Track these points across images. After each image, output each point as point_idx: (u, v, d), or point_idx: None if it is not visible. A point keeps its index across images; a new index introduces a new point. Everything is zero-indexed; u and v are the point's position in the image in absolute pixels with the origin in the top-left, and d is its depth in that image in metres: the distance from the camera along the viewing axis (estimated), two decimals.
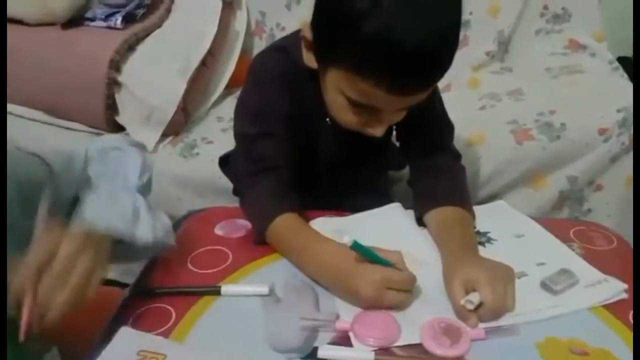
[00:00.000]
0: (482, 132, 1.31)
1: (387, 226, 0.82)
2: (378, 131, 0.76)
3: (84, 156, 0.73)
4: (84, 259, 0.58)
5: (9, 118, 1.50)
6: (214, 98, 1.62)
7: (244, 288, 0.71)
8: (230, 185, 1.17)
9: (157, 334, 0.64)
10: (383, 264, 0.65)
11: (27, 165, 0.67)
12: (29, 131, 1.53)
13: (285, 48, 0.84)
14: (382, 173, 1.13)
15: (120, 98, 1.45)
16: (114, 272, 1.29)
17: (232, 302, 0.69)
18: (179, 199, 1.40)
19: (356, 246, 0.63)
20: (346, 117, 0.75)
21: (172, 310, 0.68)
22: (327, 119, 0.83)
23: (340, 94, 0.72)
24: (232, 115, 1.52)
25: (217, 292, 0.70)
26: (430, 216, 0.81)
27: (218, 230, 0.86)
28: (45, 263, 0.57)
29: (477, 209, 0.85)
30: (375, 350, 0.60)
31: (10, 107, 1.54)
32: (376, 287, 0.64)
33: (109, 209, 0.67)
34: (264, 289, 0.69)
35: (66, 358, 0.78)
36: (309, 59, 0.76)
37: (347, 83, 0.69)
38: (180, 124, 1.49)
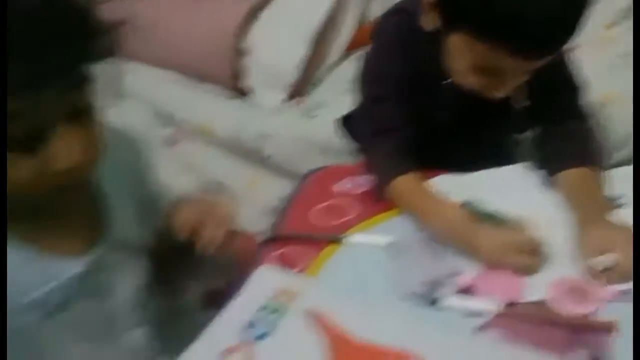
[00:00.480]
0: (616, 91, 1.22)
1: (512, 186, 0.80)
2: (501, 93, 0.74)
3: None
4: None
5: (143, 76, 1.63)
6: (333, 60, 1.65)
7: (368, 238, 0.74)
8: (349, 145, 1.20)
9: None
10: (503, 225, 0.65)
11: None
12: (163, 92, 1.66)
13: (406, 10, 0.84)
14: (505, 136, 1.10)
15: (247, 61, 1.53)
16: None
17: (355, 252, 0.73)
18: (301, 158, 1.46)
19: (470, 206, 0.64)
20: (468, 79, 0.74)
21: (299, 257, 0.73)
22: (448, 81, 0.83)
23: (463, 57, 0.72)
24: (351, 77, 1.55)
25: (341, 241, 0.74)
26: (560, 178, 0.79)
27: (340, 186, 0.89)
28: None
29: (609, 172, 0.81)
30: (501, 304, 0.61)
31: (146, 69, 1.66)
32: (499, 250, 0.64)
33: None
34: (388, 240, 0.72)
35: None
36: (428, 21, 0.76)
37: (471, 46, 0.69)
38: (302, 85, 1.54)
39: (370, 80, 0.90)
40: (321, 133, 1.43)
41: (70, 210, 0.60)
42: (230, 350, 0.59)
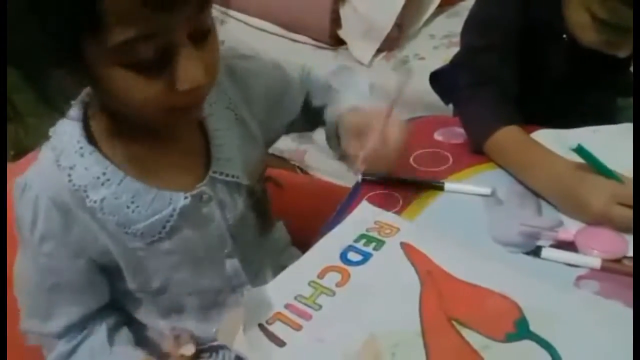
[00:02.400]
0: None
1: (616, 145, 0.76)
2: (622, 51, 0.70)
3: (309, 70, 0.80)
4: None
5: (241, 26, 1.65)
6: (427, 16, 1.61)
7: (467, 186, 0.73)
8: (439, 101, 1.18)
9: None
10: (613, 177, 0.63)
11: (273, 69, 0.75)
12: (259, 41, 1.69)
13: None
14: (611, 99, 1.04)
15: (344, 12, 1.52)
16: None
17: (454, 199, 0.72)
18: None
19: (581, 150, 0.61)
20: (589, 35, 0.70)
21: (400, 198, 0.73)
22: (564, 36, 0.79)
23: (585, 11, 0.68)
24: (444, 33, 1.50)
25: (440, 188, 0.74)
26: None
27: (438, 136, 0.89)
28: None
29: None
30: (600, 259, 0.59)
31: (244, 18, 1.69)
32: (606, 200, 0.62)
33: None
34: (487, 190, 0.71)
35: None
36: None
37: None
38: (394, 39, 1.52)
39: (475, 29, 0.87)
40: (410, 88, 1.41)
41: (183, 142, 0.63)
42: (328, 269, 0.61)
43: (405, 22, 1.54)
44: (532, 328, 0.52)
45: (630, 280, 0.57)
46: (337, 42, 1.57)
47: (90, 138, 0.58)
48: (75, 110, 0.59)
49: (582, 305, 0.55)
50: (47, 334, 0.63)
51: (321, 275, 0.61)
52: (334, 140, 0.74)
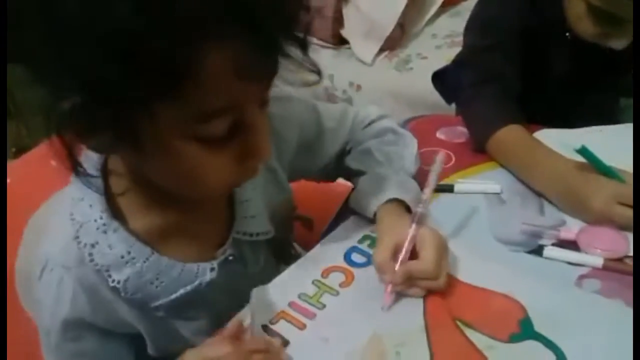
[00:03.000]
0: None
1: (620, 144, 0.76)
2: (619, 43, 0.70)
3: (350, 124, 0.72)
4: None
5: None
6: (429, 15, 1.61)
7: (476, 186, 0.72)
8: (441, 100, 1.18)
9: None
10: (615, 177, 0.63)
11: (306, 113, 0.69)
12: None
13: None
14: (614, 99, 1.04)
15: (347, 12, 1.52)
16: None
17: (456, 199, 0.72)
18: (392, 110, 1.45)
19: (584, 151, 0.61)
20: (585, 26, 0.70)
21: None
22: (567, 34, 0.79)
23: (582, 0, 0.68)
24: (446, 32, 1.50)
25: (450, 190, 0.73)
26: None
27: (440, 135, 0.88)
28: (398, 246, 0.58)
29: None
30: (601, 258, 0.59)
31: None
32: (607, 200, 0.62)
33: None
34: (496, 187, 0.71)
35: None
36: None
37: None
38: (397, 39, 1.52)
39: (478, 29, 0.87)
40: (412, 87, 1.42)
41: (206, 208, 0.58)
42: (332, 269, 0.61)
43: (407, 22, 1.54)
44: (536, 328, 0.52)
45: (631, 280, 0.57)
46: (339, 41, 1.57)
47: (114, 211, 0.52)
48: (94, 172, 0.52)
49: (585, 305, 0.55)
50: None
51: (325, 275, 0.61)
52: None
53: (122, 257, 0.52)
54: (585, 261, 0.59)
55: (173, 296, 0.55)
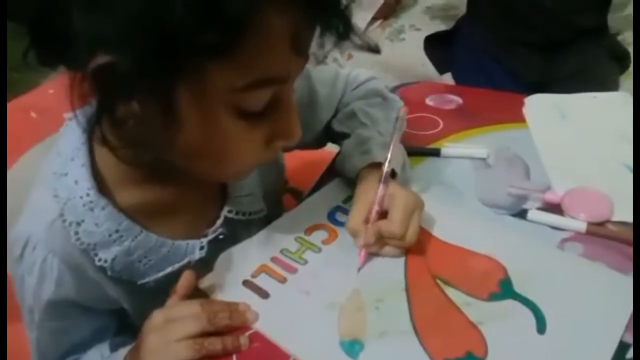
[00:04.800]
0: None
1: (611, 111, 0.76)
2: None
3: (342, 89, 0.71)
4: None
5: None
6: None
7: (463, 150, 0.72)
8: (431, 72, 1.17)
9: None
10: None
11: (299, 81, 0.66)
12: None
13: None
14: (603, 62, 1.03)
15: None
16: None
17: (441, 162, 0.72)
18: (381, 80, 1.44)
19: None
20: None
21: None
22: None
23: None
24: (441, 5, 1.48)
25: (436, 154, 0.72)
26: None
27: (429, 102, 0.88)
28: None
29: None
30: (587, 222, 0.59)
31: None
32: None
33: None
34: (483, 152, 0.70)
35: None
36: None
37: None
38: (390, 8, 1.50)
39: None
40: (403, 58, 1.40)
41: (199, 185, 0.55)
42: (316, 227, 0.61)
43: None
44: (516, 288, 0.52)
45: (614, 244, 0.57)
46: None
47: (101, 186, 0.49)
48: (80, 150, 0.49)
49: (567, 267, 0.55)
50: None
51: (308, 232, 0.60)
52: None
53: (110, 235, 0.49)
54: (568, 225, 0.59)
55: (161, 274, 0.54)
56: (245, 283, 0.54)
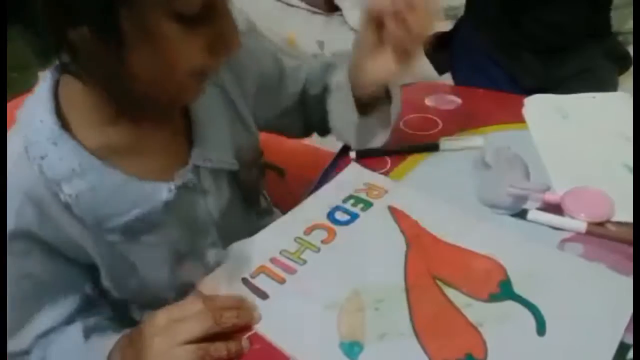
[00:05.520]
0: None
1: (611, 111, 0.75)
2: None
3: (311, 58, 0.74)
4: None
5: None
6: None
7: (460, 142, 0.73)
8: (430, 73, 1.17)
9: None
10: None
11: (269, 50, 0.70)
12: (253, 4, 1.65)
13: None
14: (603, 63, 1.02)
15: None
16: None
17: (441, 161, 0.71)
18: None
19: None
20: None
21: (388, 159, 0.72)
22: None
23: None
24: (442, 5, 1.47)
25: (435, 148, 0.73)
26: None
27: (429, 102, 0.87)
28: None
29: None
30: (587, 222, 0.58)
31: None
32: None
33: None
34: (479, 141, 0.71)
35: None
36: None
37: None
38: None
39: None
40: None
41: (165, 125, 0.57)
42: (315, 227, 0.61)
43: None
44: (516, 290, 0.52)
45: (614, 244, 0.56)
46: (331, 8, 1.54)
47: (64, 122, 0.51)
48: (44, 91, 0.51)
49: (567, 267, 0.55)
50: (16, 352, 0.54)
51: (307, 232, 0.60)
52: (348, 103, 0.68)
53: (74, 169, 0.50)
54: (568, 225, 0.59)
55: (127, 217, 0.53)
56: (245, 283, 0.54)
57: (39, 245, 0.52)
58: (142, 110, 0.53)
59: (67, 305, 0.56)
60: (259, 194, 0.71)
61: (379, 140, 0.71)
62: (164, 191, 0.54)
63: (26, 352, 0.55)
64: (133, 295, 0.59)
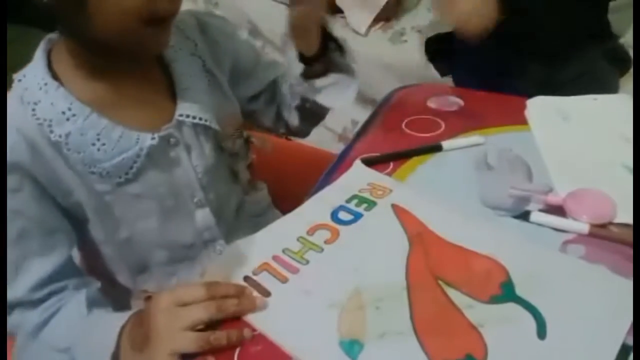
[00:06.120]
0: None
1: (612, 113, 0.75)
2: None
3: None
4: None
5: None
6: None
7: (462, 140, 0.74)
8: (432, 75, 1.17)
9: None
10: None
11: (243, 38, 0.76)
12: (254, 7, 1.65)
13: None
14: (603, 65, 1.02)
15: None
16: None
17: (444, 162, 0.71)
18: (383, 82, 1.43)
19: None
20: None
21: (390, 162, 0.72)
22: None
23: None
24: None
25: (439, 148, 0.73)
26: None
27: (431, 103, 0.87)
28: None
29: None
30: (590, 224, 0.58)
31: None
32: None
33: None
34: (480, 139, 0.72)
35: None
36: None
37: None
38: (392, 10, 1.49)
39: None
40: (405, 60, 1.40)
41: (148, 84, 0.62)
42: (318, 227, 0.61)
43: None
44: (517, 292, 0.52)
45: (616, 246, 0.56)
46: (334, 11, 1.54)
47: (55, 76, 0.57)
48: (39, 54, 0.58)
49: (569, 269, 0.54)
50: (13, 301, 0.56)
51: (311, 232, 0.60)
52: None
53: (63, 112, 0.55)
54: (571, 227, 0.59)
55: (113, 161, 0.57)
56: (247, 280, 0.54)
57: (30, 181, 0.56)
58: (118, 63, 0.58)
59: (56, 255, 0.58)
60: (244, 164, 0.74)
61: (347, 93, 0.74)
62: (147, 139, 0.59)
63: (20, 304, 0.57)
64: (122, 250, 0.63)
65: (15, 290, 0.56)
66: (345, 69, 0.73)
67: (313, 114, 0.79)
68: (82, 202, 0.59)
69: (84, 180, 0.58)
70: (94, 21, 0.51)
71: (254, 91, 0.78)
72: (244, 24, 1.62)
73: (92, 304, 0.58)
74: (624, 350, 0.46)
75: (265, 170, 0.82)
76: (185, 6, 0.56)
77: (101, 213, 0.60)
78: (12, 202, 0.55)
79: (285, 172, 0.85)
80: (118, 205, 0.60)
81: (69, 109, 0.55)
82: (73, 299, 0.58)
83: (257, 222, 0.78)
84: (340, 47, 0.72)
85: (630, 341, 0.46)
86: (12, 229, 0.55)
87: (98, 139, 0.56)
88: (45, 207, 0.57)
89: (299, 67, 0.70)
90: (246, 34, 1.65)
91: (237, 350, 0.48)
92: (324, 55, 0.71)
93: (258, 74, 0.77)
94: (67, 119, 0.55)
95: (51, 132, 0.55)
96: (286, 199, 0.78)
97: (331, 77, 0.73)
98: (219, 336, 0.47)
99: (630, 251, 0.55)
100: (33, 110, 0.55)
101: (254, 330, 0.49)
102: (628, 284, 0.51)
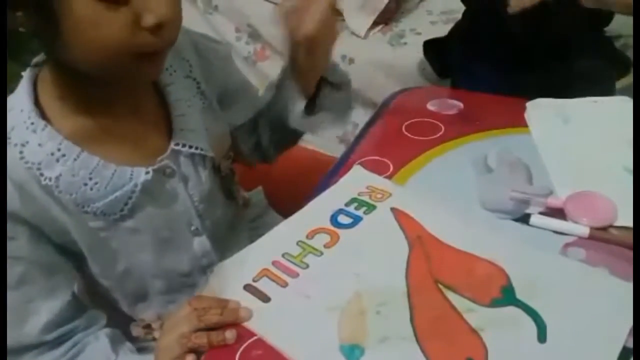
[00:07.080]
0: None
1: (612, 116, 0.75)
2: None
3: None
4: None
5: None
6: None
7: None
8: (433, 77, 1.16)
9: None
10: None
11: (235, 65, 0.75)
12: (254, 9, 1.64)
13: None
14: (600, 75, 1.02)
15: None
16: None
17: (443, 165, 0.71)
18: (383, 85, 1.44)
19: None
20: None
21: (390, 163, 0.72)
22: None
23: None
24: (441, 9, 1.48)
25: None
26: None
27: (431, 106, 0.87)
28: None
29: None
30: (590, 227, 0.58)
31: None
32: None
33: None
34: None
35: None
36: None
37: None
38: (391, 12, 1.49)
39: None
40: (405, 62, 1.40)
41: (140, 112, 0.59)
42: (317, 230, 0.61)
43: None
44: (518, 295, 0.52)
45: (617, 249, 0.56)
46: (333, 13, 1.54)
47: (42, 113, 0.53)
48: (24, 84, 0.55)
49: (569, 273, 0.54)
50: (26, 344, 0.55)
51: (310, 236, 0.60)
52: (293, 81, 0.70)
53: (52, 153, 0.52)
54: (571, 230, 0.59)
55: (106, 200, 0.55)
56: (247, 287, 0.54)
57: (24, 227, 0.54)
58: (107, 92, 0.55)
59: (61, 295, 0.57)
60: (234, 184, 0.73)
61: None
62: (141, 174, 0.57)
63: (33, 347, 0.55)
64: (120, 282, 0.62)
65: (27, 334, 0.55)
66: (344, 102, 0.74)
67: (290, 143, 0.81)
68: (76, 240, 0.57)
69: (78, 218, 0.55)
70: (72, 51, 0.48)
71: (240, 120, 0.76)
72: (244, 27, 1.62)
73: (114, 344, 0.59)
74: (624, 353, 0.46)
75: (265, 173, 0.82)
76: (185, 7, 0.52)
77: (96, 249, 0.58)
78: (9, 250, 0.53)
79: (286, 176, 0.85)
80: (113, 240, 0.58)
81: (58, 150, 0.53)
82: (96, 343, 0.58)
83: (254, 225, 0.78)
84: (337, 86, 0.72)
85: (630, 344, 0.46)
86: (12, 274, 0.54)
87: (90, 178, 0.54)
88: (43, 249, 0.55)
89: (301, 104, 0.69)
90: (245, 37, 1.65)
91: (238, 355, 0.48)
92: (320, 95, 0.71)
93: (246, 102, 0.76)
94: (57, 160, 0.53)
95: (41, 175, 0.52)
96: (286, 203, 0.78)
97: (329, 113, 0.72)
98: (200, 335, 0.49)
99: (630, 254, 0.55)
100: (21, 152, 0.52)
101: (254, 334, 0.49)
102: (628, 287, 0.51)
